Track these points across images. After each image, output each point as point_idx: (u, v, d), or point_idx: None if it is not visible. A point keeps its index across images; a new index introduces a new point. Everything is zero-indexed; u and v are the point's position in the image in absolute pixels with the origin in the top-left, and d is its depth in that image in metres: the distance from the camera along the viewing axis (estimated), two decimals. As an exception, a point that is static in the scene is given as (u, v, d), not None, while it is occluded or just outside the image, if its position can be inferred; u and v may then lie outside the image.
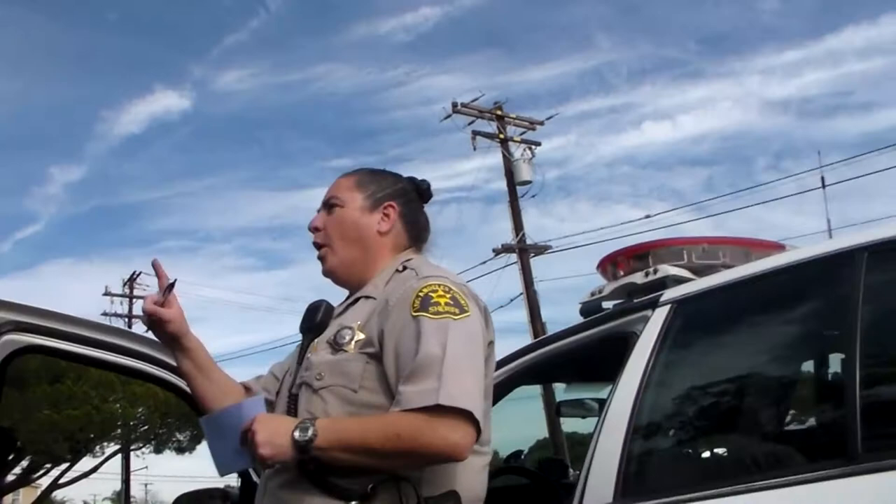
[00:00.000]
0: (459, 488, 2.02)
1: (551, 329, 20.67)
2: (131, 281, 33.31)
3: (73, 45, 53.40)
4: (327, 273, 2.30)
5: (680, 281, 3.19)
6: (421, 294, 2.03)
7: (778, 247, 3.52)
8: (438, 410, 1.86)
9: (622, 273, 3.51)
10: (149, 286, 32.56)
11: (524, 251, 22.18)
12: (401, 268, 2.20)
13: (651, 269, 3.29)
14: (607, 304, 3.45)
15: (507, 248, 22.22)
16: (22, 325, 2.71)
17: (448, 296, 2.04)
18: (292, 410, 2.08)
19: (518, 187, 22.46)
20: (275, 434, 1.94)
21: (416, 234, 2.36)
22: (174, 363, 2.48)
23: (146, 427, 26.01)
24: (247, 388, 2.34)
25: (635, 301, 3.17)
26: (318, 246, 2.31)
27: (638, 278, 3.33)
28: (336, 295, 2.33)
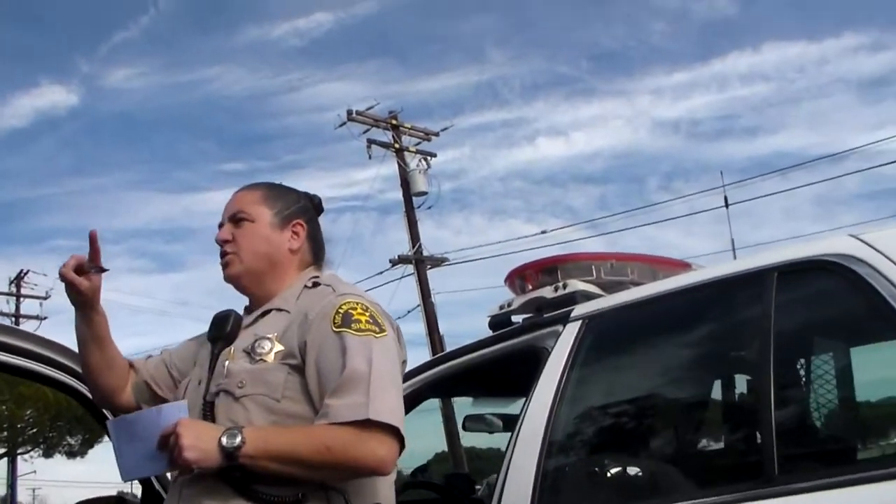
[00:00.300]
0: (382, 501, 2.11)
1: (449, 342, 20.73)
2: (18, 279, 32.26)
3: (-50, 34, 51.43)
4: (230, 278, 2.31)
5: (589, 297, 3.18)
6: (341, 311, 2.08)
7: (684, 265, 3.55)
8: (367, 425, 1.92)
9: (531, 287, 3.49)
10: (37, 284, 31.72)
11: (421, 262, 22.16)
12: (310, 283, 2.26)
13: (560, 284, 3.28)
14: (516, 318, 3.43)
15: (403, 259, 22.18)
16: None
17: (367, 314, 2.10)
18: (209, 417, 2.08)
19: (414, 198, 22.45)
20: (200, 439, 1.93)
21: (318, 251, 2.41)
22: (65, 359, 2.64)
23: (35, 430, 25.21)
24: (132, 366, 2.39)
25: (545, 316, 3.15)
26: (225, 254, 2.31)
27: (547, 293, 3.31)
28: (234, 303, 2.36)
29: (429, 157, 23.18)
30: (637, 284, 3.22)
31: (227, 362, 2.13)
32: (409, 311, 21.97)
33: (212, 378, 2.14)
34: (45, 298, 31.93)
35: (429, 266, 22.36)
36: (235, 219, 2.31)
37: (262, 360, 2.09)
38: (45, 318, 30.09)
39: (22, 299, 31.96)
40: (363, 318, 2.08)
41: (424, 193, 22.55)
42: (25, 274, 32.04)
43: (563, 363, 2.86)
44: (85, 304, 2.24)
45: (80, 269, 2.18)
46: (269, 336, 2.13)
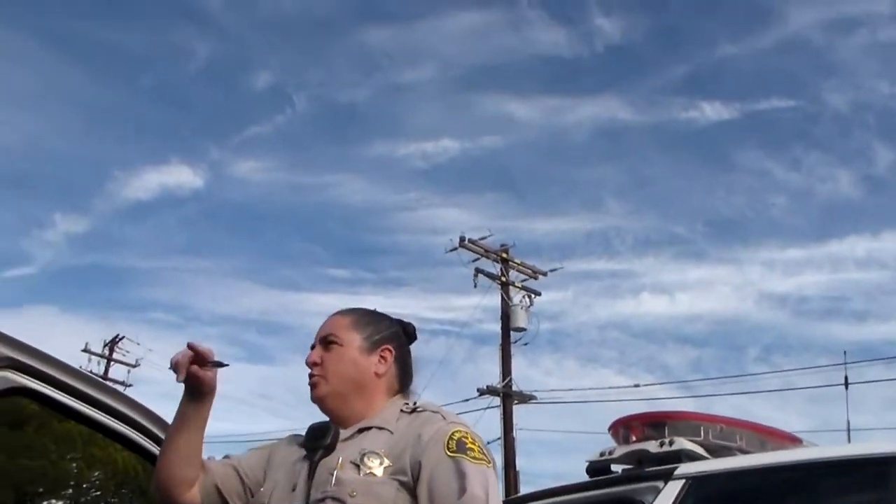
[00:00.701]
0: None
1: (523, 479, 20.40)
2: (112, 343, 32.96)
3: (102, 99, 54.04)
4: (316, 399, 2.34)
5: (694, 457, 3.08)
6: (454, 437, 2.13)
7: (794, 439, 3.43)
8: None
9: (635, 438, 3.40)
10: (129, 351, 32.40)
11: (508, 397, 21.97)
12: (407, 409, 2.29)
13: (667, 440, 3.19)
14: (615, 467, 3.34)
15: (491, 391, 22.00)
16: (18, 365, 2.58)
17: (477, 445, 2.15)
18: None
19: (512, 332, 22.39)
20: None
21: (405, 376, 2.43)
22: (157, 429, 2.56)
23: (99, 493, 25.37)
24: (203, 465, 2.35)
25: (647, 469, 3.05)
26: (312, 376, 2.34)
27: (651, 446, 3.22)
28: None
29: (533, 295, 23.19)
30: (744, 452, 3.13)
31: (335, 471, 2.15)
32: (488, 443, 21.66)
33: (312, 485, 2.17)
34: (135, 366, 32.55)
35: (515, 401, 22.16)
36: (326, 342, 2.36)
37: (371, 473, 2.13)
38: (131, 385, 30.57)
39: (112, 363, 32.62)
40: (475, 447, 2.13)
41: (523, 330, 22.47)
42: (120, 339, 32.72)
43: (662, 522, 2.75)
44: (201, 395, 2.28)
45: (199, 361, 2.22)
46: (377, 451, 2.17)
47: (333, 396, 2.31)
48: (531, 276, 23.45)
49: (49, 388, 2.65)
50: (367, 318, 2.44)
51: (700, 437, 3.27)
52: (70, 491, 24.94)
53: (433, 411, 2.25)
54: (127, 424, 2.90)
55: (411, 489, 2.09)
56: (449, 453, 2.09)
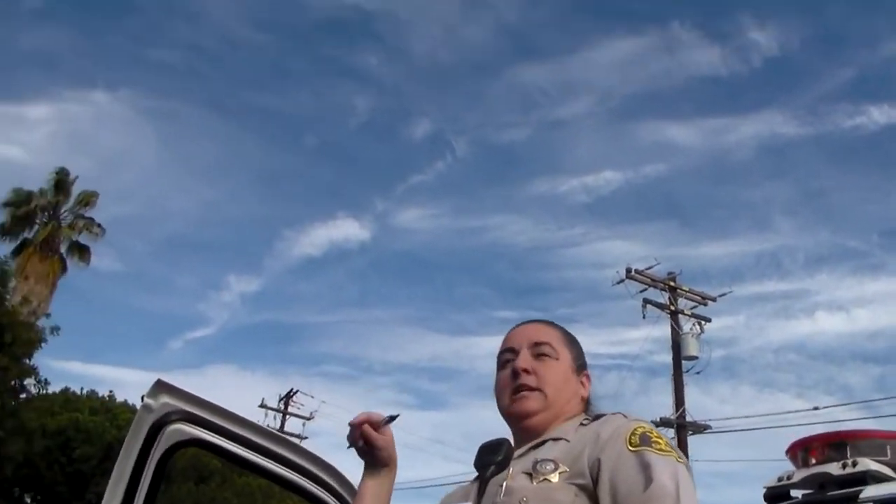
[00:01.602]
0: None
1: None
2: (287, 397, 33.89)
3: (271, 163, 56.52)
4: (524, 414, 2.12)
5: (881, 479, 2.93)
6: (637, 432, 1.91)
7: None
8: None
9: (815, 461, 3.27)
10: (303, 405, 33.22)
11: (683, 427, 21.50)
12: (586, 421, 2.09)
13: (849, 461, 3.05)
14: (795, 493, 3.20)
15: (665, 422, 21.57)
16: (191, 417, 2.66)
17: (663, 439, 1.91)
18: None
19: (683, 361, 21.93)
20: None
21: (588, 405, 2.26)
22: (334, 481, 2.50)
23: (275, 544, 26.05)
24: None
25: (829, 494, 2.92)
26: (528, 388, 2.13)
27: (834, 469, 3.10)
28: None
29: (703, 322, 22.71)
30: (936, 471, 2.94)
31: (504, 483, 1.96)
32: (665, 478, 21.25)
33: (482, 500, 1.97)
34: (309, 419, 33.41)
35: (690, 432, 21.66)
36: (539, 351, 2.17)
37: (545, 479, 1.91)
38: (306, 437, 31.25)
39: (288, 417, 33.46)
40: (661, 441, 1.90)
41: (695, 358, 22.02)
42: (294, 393, 33.63)
43: (848, 548, 2.61)
44: (379, 460, 2.16)
45: (372, 426, 2.12)
46: (552, 458, 1.95)
47: (545, 412, 2.12)
48: (700, 303, 23.02)
49: (222, 439, 2.72)
50: (571, 338, 2.27)
51: (886, 456, 3.12)
52: (250, 542, 25.69)
53: (613, 413, 2.06)
54: (302, 475, 2.93)
55: (591, 493, 1.87)
56: (631, 448, 1.88)
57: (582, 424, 2.08)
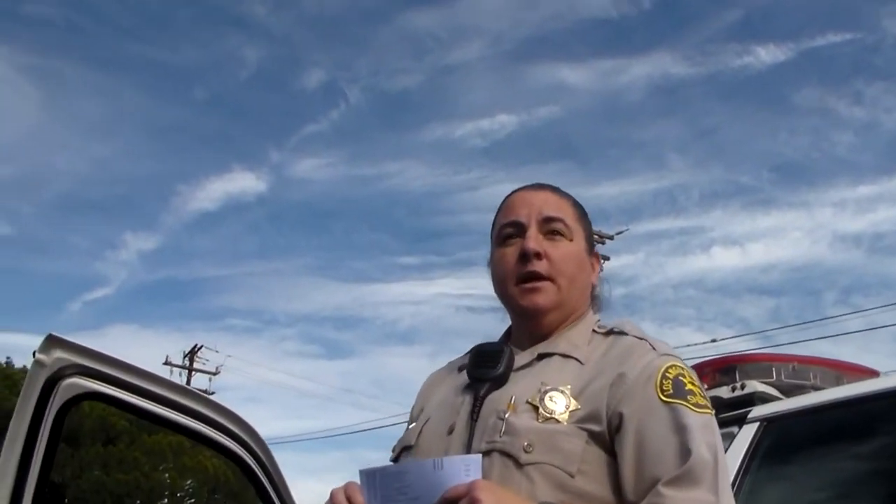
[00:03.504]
0: None
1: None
2: (192, 353, 33.57)
3: (161, 118, 55.36)
4: (537, 310, 1.79)
5: (768, 399, 3.04)
6: (669, 375, 1.64)
7: (871, 372, 3.36)
8: None
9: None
10: (208, 360, 32.92)
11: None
12: (600, 329, 1.81)
13: (738, 384, 3.15)
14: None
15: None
16: (86, 370, 2.62)
17: (698, 386, 1.66)
18: None
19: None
20: None
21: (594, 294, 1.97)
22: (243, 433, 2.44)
23: (193, 500, 25.90)
24: None
25: (720, 416, 3.01)
26: (540, 277, 1.79)
27: (724, 392, 3.18)
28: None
29: (601, 261, 23.04)
30: (819, 389, 3.07)
31: (507, 414, 1.65)
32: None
33: (476, 429, 1.68)
34: (215, 374, 33.18)
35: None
36: (551, 229, 1.82)
37: (553, 419, 1.62)
38: (213, 393, 31.03)
39: (193, 373, 33.17)
40: (697, 391, 1.63)
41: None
42: (199, 349, 33.33)
43: (738, 466, 2.72)
44: None
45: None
46: (562, 389, 1.66)
47: (560, 308, 1.81)
48: (598, 242, 23.32)
49: (121, 391, 2.69)
50: (584, 210, 1.94)
51: (772, 377, 3.22)
52: (165, 501, 25.55)
53: (638, 337, 1.75)
54: (210, 426, 2.88)
55: (606, 443, 1.61)
56: (664, 397, 1.60)
57: (595, 332, 1.81)
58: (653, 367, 1.64)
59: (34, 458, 2.51)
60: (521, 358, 1.78)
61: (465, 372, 1.81)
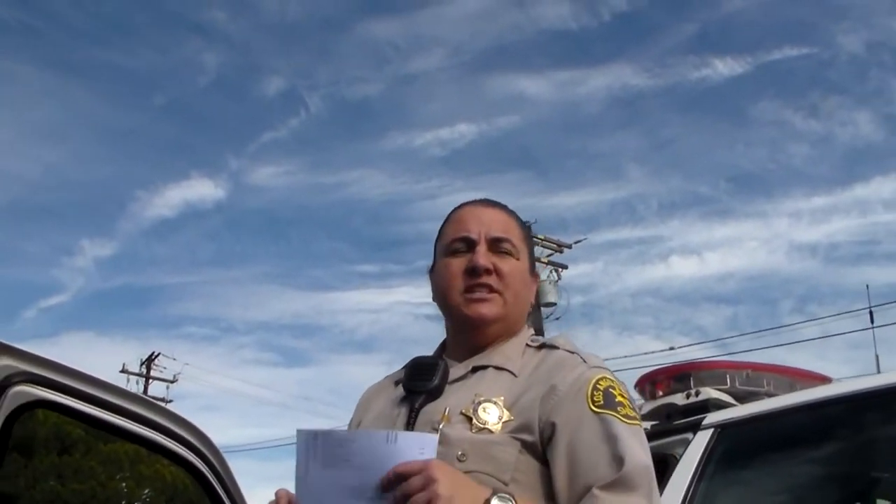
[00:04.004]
0: None
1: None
2: (149, 361, 33.23)
3: (117, 123, 54.68)
4: (484, 320, 1.82)
5: (722, 405, 3.07)
6: (600, 387, 1.67)
7: (823, 378, 3.40)
8: None
9: (661, 393, 3.39)
10: (165, 368, 32.65)
11: (548, 371, 21.98)
12: (533, 343, 1.85)
13: (693, 391, 3.17)
14: (644, 424, 3.32)
15: (529, 367, 22.01)
16: (35, 378, 2.58)
17: (627, 399, 1.70)
18: None
19: (542, 308, 22.33)
20: (460, 492, 1.46)
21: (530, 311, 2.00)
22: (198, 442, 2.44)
23: (150, 509, 25.70)
24: None
25: (675, 423, 3.04)
26: (489, 288, 1.82)
27: (678, 399, 3.21)
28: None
29: (560, 269, 23.12)
30: (772, 396, 3.10)
31: (441, 425, 1.69)
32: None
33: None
34: (173, 382, 32.89)
35: (554, 376, 22.15)
36: (500, 249, 1.87)
37: (486, 429, 1.66)
38: (171, 401, 30.80)
39: (150, 381, 32.89)
40: (626, 403, 1.67)
41: (553, 304, 22.42)
42: (156, 357, 33.00)
43: (692, 472, 2.74)
44: None
45: None
46: (495, 400, 1.71)
47: (504, 321, 1.84)
48: (556, 251, 23.37)
49: (71, 399, 2.65)
50: (528, 230, 2.02)
51: (726, 384, 3.25)
52: (122, 510, 25.28)
53: (569, 351, 1.78)
54: (164, 435, 2.85)
55: (538, 453, 1.65)
56: (594, 408, 1.63)
57: (528, 346, 1.84)
58: (583, 379, 1.68)
59: (-18, 467, 2.47)
60: (456, 370, 1.81)
61: (401, 385, 1.83)
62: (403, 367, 1.89)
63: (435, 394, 1.76)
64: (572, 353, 1.77)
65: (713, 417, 2.91)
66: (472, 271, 1.82)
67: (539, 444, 1.64)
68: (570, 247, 23.58)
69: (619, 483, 1.53)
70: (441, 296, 1.89)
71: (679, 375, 3.37)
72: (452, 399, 1.73)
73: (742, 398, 3.17)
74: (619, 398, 1.65)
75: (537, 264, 15.83)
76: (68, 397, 2.65)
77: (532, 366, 1.77)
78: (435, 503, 1.42)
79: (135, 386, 31.80)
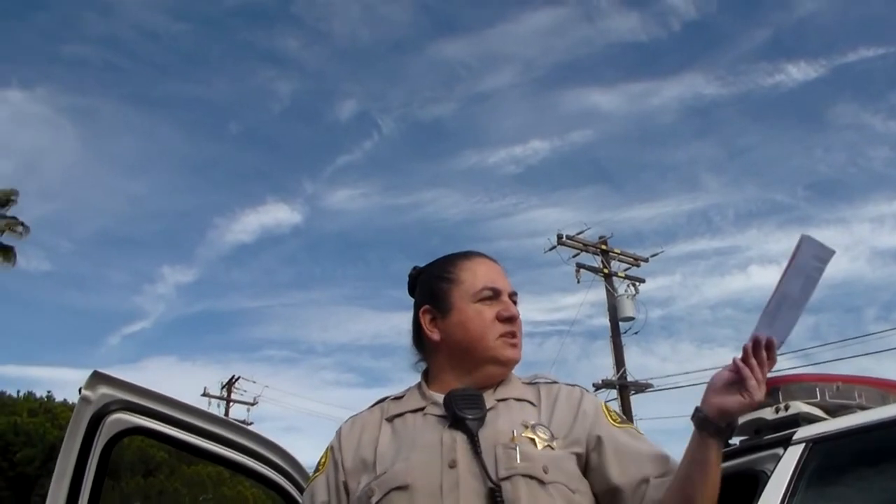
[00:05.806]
0: None
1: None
2: (230, 384, 33.74)
3: (195, 153, 56.13)
4: (514, 362, 2.12)
5: (812, 420, 3.01)
6: (608, 408, 2.05)
7: (917, 390, 3.32)
8: None
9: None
10: (246, 391, 33.05)
11: (625, 388, 21.82)
12: (527, 381, 2.13)
13: (782, 406, 3.12)
14: (733, 440, 3.27)
15: (607, 384, 21.88)
16: (130, 405, 2.65)
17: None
18: (500, 502, 1.81)
19: (620, 323, 22.21)
20: None
21: None
22: (284, 462, 2.53)
23: (234, 530, 25.96)
24: None
25: (765, 438, 2.99)
26: (513, 334, 2.11)
27: (767, 414, 3.15)
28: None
29: (637, 283, 22.99)
30: (865, 409, 3.03)
31: (517, 445, 1.88)
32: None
33: (486, 461, 1.86)
34: (253, 404, 33.34)
35: (632, 391, 21.97)
36: (515, 302, 2.16)
37: (549, 446, 1.92)
38: (251, 423, 31.12)
39: (231, 404, 33.32)
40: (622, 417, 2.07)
41: (632, 319, 22.32)
42: (237, 380, 33.51)
43: (784, 488, 2.69)
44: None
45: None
46: (543, 423, 1.97)
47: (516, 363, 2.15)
48: (633, 265, 23.29)
49: (164, 425, 2.72)
50: None
51: (816, 398, 3.19)
52: (207, 531, 25.59)
53: (552, 381, 2.11)
54: (251, 457, 2.90)
55: (582, 463, 1.94)
56: (616, 424, 1.99)
57: (524, 383, 2.11)
58: (595, 402, 2.05)
59: (81, 493, 2.54)
60: (487, 402, 2.02)
61: (413, 416, 2.07)
62: (377, 404, 2.18)
63: (482, 421, 1.95)
64: (571, 385, 2.10)
65: (804, 432, 2.87)
66: (510, 320, 2.10)
67: (584, 455, 1.94)
68: (646, 260, 23.46)
69: (670, 472, 1.89)
70: (474, 337, 2.09)
71: (768, 390, 3.30)
72: (501, 424, 1.96)
73: (833, 412, 3.10)
74: (620, 415, 2.05)
75: (615, 279, 15.87)
76: (161, 423, 2.72)
77: (539, 397, 2.06)
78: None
79: (216, 409, 32.23)
